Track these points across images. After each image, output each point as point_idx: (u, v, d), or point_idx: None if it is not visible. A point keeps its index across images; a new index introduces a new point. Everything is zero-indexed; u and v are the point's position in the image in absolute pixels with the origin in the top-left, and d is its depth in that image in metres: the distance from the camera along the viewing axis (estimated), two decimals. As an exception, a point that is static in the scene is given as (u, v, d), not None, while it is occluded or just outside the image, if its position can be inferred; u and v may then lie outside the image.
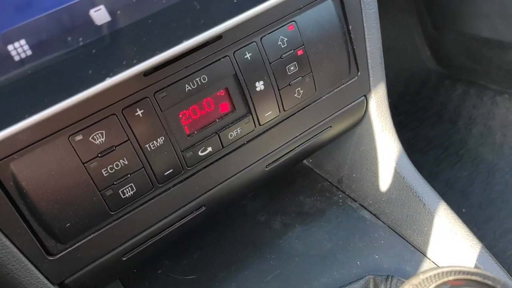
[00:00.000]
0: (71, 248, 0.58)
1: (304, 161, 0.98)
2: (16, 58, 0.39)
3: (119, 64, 0.43)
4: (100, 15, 0.41)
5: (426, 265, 0.76)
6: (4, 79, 0.40)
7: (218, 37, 0.58)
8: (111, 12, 0.41)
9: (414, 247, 0.79)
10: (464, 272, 0.39)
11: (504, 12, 1.55)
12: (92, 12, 0.41)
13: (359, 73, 0.75)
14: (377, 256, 0.77)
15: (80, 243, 0.59)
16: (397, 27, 1.93)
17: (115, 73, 0.43)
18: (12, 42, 0.39)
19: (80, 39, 0.40)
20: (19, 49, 0.40)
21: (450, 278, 0.38)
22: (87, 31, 0.41)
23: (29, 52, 0.39)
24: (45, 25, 0.39)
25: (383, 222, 0.83)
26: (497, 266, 0.70)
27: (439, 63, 1.94)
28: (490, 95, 1.80)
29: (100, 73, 0.42)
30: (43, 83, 0.42)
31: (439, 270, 0.39)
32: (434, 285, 0.38)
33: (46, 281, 0.58)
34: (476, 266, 0.70)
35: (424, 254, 0.78)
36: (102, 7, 0.41)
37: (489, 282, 0.38)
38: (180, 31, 0.46)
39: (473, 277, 0.38)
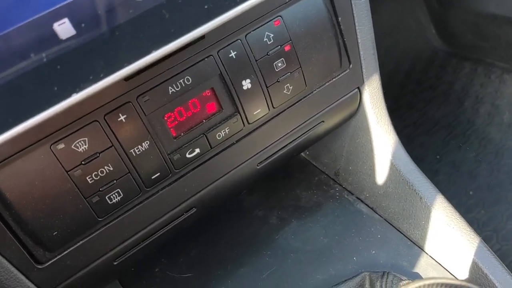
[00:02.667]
0: (60, 256, 0.58)
1: (302, 153, 0.97)
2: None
3: (86, 80, 0.42)
4: (64, 28, 0.39)
5: (423, 260, 0.75)
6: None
7: (200, 37, 0.56)
8: (76, 25, 0.40)
9: (411, 241, 0.77)
10: (448, 285, 0.37)
11: (512, -14, 1.50)
12: (56, 26, 0.39)
13: (351, 66, 0.72)
14: (373, 251, 0.76)
15: (68, 250, 0.58)
16: (401, 5, 1.88)
17: (81, 89, 0.42)
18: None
19: (44, 54, 0.39)
20: (-19, 67, 0.39)
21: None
22: (51, 46, 0.40)
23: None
24: (8, 41, 0.38)
25: (380, 215, 0.82)
26: (496, 260, 0.69)
27: (445, 41, 1.88)
28: (498, 73, 1.75)
29: (66, 90, 0.41)
30: (5, 102, 0.40)
31: (421, 283, 0.38)
32: None
33: (37, 290, 0.59)
34: (474, 261, 0.69)
35: (421, 249, 0.76)
36: (66, 20, 0.39)
37: None
38: (149, 42, 0.45)
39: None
